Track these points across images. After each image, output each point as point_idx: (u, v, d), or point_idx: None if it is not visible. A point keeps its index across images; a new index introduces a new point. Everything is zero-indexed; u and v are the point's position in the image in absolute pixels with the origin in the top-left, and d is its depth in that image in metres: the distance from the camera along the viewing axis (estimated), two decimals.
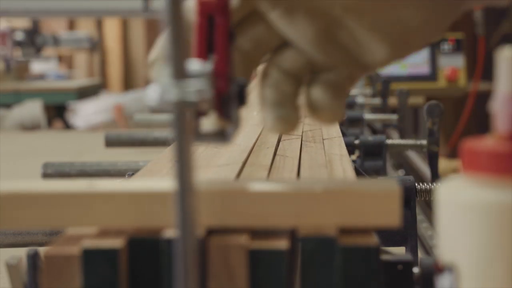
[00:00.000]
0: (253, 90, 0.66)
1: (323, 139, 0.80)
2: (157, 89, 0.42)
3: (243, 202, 0.47)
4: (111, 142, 1.44)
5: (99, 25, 4.90)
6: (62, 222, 0.49)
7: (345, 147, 0.74)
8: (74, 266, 0.46)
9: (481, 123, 3.30)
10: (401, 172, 1.82)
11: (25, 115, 3.35)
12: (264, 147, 0.74)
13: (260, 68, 0.54)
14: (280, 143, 0.78)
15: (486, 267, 0.41)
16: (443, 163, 2.53)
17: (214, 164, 0.65)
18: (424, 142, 1.09)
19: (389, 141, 1.10)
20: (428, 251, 1.20)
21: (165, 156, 0.71)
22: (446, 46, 2.94)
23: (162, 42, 0.50)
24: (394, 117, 1.50)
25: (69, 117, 3.50)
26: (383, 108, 1.71)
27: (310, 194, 0.48)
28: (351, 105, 1.69)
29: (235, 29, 0.51)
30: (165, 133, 1.40)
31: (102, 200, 0.48)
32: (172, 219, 0.42)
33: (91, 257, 0.45)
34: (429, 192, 0.76)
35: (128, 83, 5.30)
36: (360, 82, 2.22)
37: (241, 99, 0.48)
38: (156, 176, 0.63)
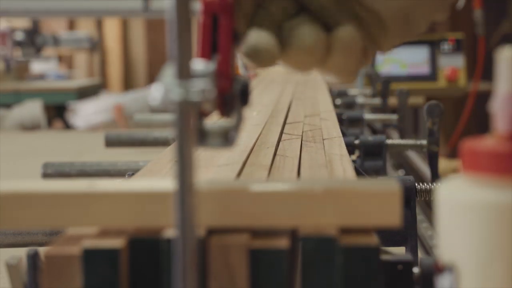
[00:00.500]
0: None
1: (323, 139, 0.80)
2: (161, 88, 0.42)
3: (243, 202, 0.47)
4: (111, 142, 1.44)
5: (99, 25, 4.90)
6: (62, 222, 0.49)
7: (345, 147, 0.74)
8: (75, 266, 0.46)
9: (481, 123, 3.30)
10: (401, 172, 1.82)
11: (25, 115, 3.35)
12: (264, 147, 0.74)
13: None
14: (280, 143, 0.78)
15: (486, 267, 0.41)
16: (443, 163, 2.53)
17: (214, 164, 0.65)
18: (424, 142, 1.09)
19: (389, 141, 1.09)
20: (428, 251, 1.20)
21: (165, 156, 0.71)
22: (446, 46, 2.93)
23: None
24: (394, 117, 1.50)
25: (69, 117, 3.50)
26: (383, 108, 1.71)
27: (311, 194, 0.48)
28: (351, 105, 1.69)
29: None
30: (165, 133, 1.40)
31: (103, 200, 0.48)
32: (172, 219, 0.42)
33: (91, 257, 0.45)
34: (429, 192, 0.76)
35: (128, 83, 5.30)
36: (360, 82, 2.22)
37: (244, 98, 0.48)
38: (156, 176, 0.63)
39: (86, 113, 3.43)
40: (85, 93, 3.80)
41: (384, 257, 0.50)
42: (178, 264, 0.42)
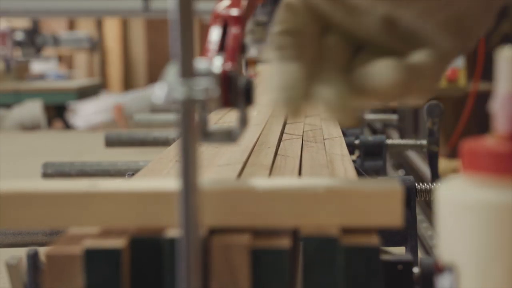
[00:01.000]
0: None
1: (324, 139, 0.80)
2: (164, 87, 0.42)
3: (245, 202, 0.47)
4: (111, 142, 1.44)
5: (99, 25, 4.90)
6: (63, 222, 0.49)
7: (346, 147, 0.74)
8: (76, 266, 0.46)
9: (481, 123, 3.30)
10: (401, 172, 1.82)
11: (25, 115, 3.35)
12: (265, 147, 0.74)
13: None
14: (281, 143, 0.78)
15: (486, 267, 0.41)
16: (443, 163, 2.53)
17: (215, 164, 0.65)
18: (424, 142, 1.09)
19: (389, 141, 1.09)
20: (428, 251, 1.20)
21: (166, 156, 0.71)
22: None
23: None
24: (394, 117, 1.50)
25: (69, 117, 3.50)
26: (383, 108, 1.71)
27: (312, 194, 0.48)
28: None
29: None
30: (165, 133, 1.40)
31: (104, 200, 0.48)
32: (174, 219, 0.42)
33: (93, 257, 0.45)
34: (429, 192, 0.76)
35: (128, 83, 5.30)
36: None
37: (248, 98, 0.48)
38: (157, 175, 0.63)
39: (86, 113, 3.43)
40: (85, 93, 3.80)
41: (384, 257, 0.50)
42: (182, 264, 0.42)
